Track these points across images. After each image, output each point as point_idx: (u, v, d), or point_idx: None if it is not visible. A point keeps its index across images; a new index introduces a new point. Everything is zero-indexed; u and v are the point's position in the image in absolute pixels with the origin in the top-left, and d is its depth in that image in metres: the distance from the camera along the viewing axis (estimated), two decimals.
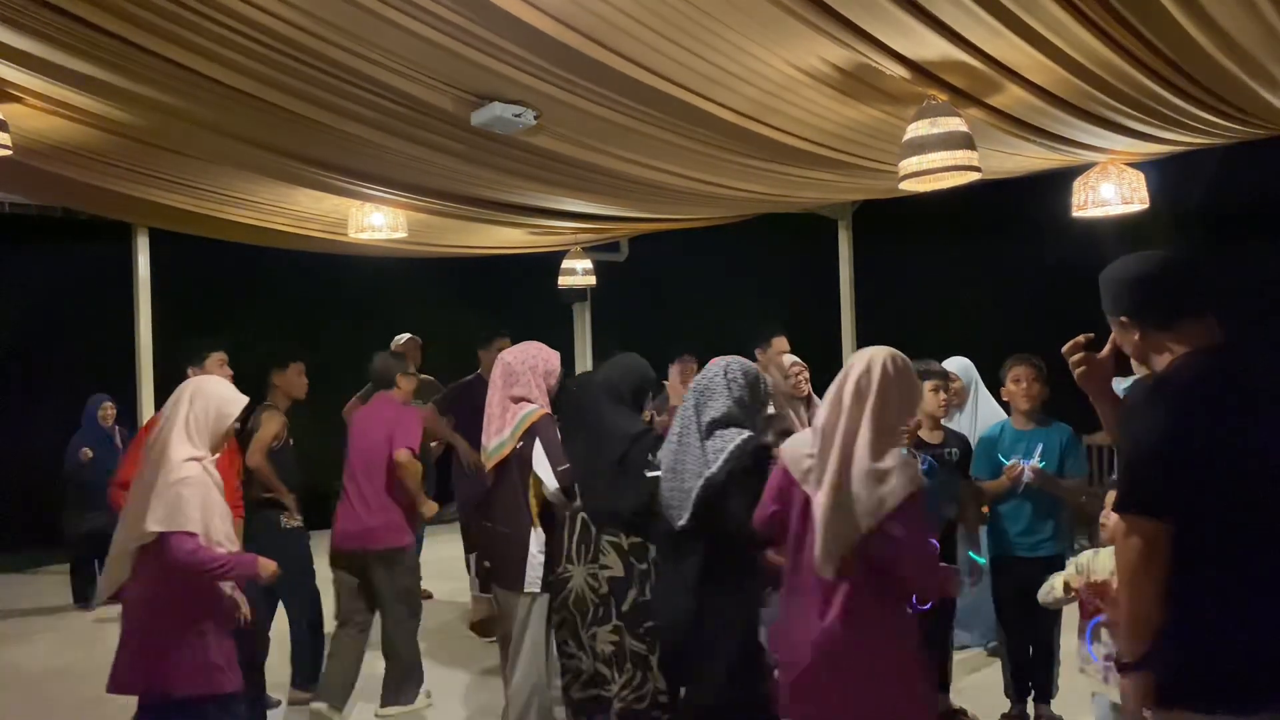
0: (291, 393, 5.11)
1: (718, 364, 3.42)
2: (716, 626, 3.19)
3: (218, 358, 4.98)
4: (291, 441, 5.07)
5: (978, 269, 9.12)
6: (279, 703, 4.91)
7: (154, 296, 7.86)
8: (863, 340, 8.09)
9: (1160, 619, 2.15)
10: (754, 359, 4.84)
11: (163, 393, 7.93)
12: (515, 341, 4.75)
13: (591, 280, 7.95)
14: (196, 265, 8.39)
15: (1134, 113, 3.95)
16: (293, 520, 4.93)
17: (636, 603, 3.59)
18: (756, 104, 3.73)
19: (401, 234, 5.81)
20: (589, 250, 8.07)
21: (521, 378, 4.13)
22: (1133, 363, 4.11)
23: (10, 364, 8.42)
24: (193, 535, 3.19)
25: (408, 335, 7.10)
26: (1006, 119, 3.98)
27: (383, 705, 4.90)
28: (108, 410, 7.37)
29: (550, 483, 3.92)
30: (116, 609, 6.82)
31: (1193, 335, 2.25)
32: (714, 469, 3.22)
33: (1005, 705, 4.62)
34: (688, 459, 3.31)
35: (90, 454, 7.08)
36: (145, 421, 5.44)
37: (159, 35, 3.11)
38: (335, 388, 7.20)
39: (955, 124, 3.57)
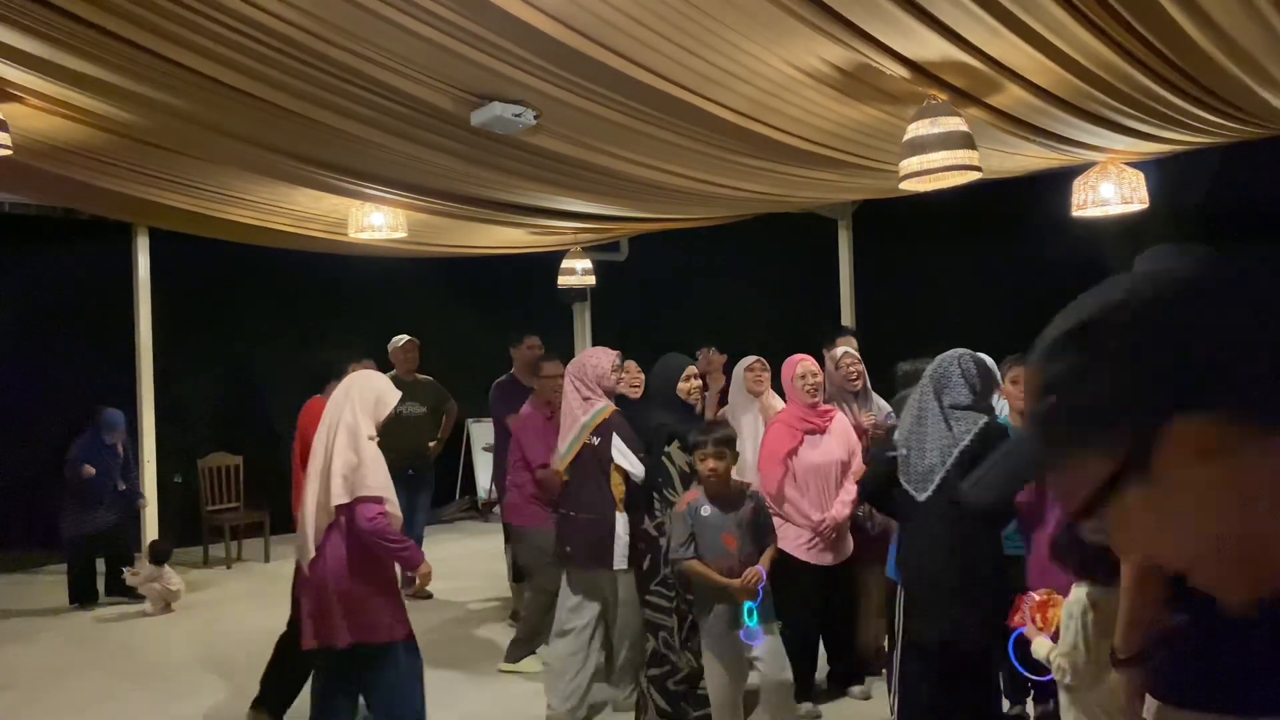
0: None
1: (951, 355, 3.75)
2: (970, 581, 3.56)
3: (359, 365, 5.64)
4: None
5: (978, 269, 9.11)
6: None
7: (154, 296, 7.86)
8: (863, 340, 8.09)
9: (1158, 619, 2.17)
10: (820, 358, 5.16)
11: (162, 392, 8.01)
12: (542, 340, 5.75)
13: (591, 280, 7.96)
14: (196, 265, 8.39)
15: (1133, 112, 3.96)
16: None
17: None
18: (756, 104, 3.73)
19: (401, 234, 5.81)
20: (589, 250, 8.08)
21: (574, 390, 4.52)
22: None
23: (10, 364, 8.43)
24: (378, 500, 3.70)
25: (406, 337, 7.09)
26: (1006, 119, 3.98)
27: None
28: (119, 435, 7.28)
29: (636, 470, 4.35)
30: (117, 609, 6.89)
31: None
32: (965, 442, 3.55)
33: (1004, 705, 4.62)
34: (928, 438, 3.64)
35: (93, 471, 7.03)
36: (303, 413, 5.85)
37: (159, 35, 3.12)
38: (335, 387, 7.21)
39: (955, 124, 3.57)
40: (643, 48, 3.14)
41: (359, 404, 3.84)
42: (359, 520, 3.65)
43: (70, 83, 3.74)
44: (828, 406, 5.02)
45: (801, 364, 5.02)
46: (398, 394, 4.02)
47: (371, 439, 3.79)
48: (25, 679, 5.56)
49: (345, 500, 3.66)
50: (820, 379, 4.98)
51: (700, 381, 4.87)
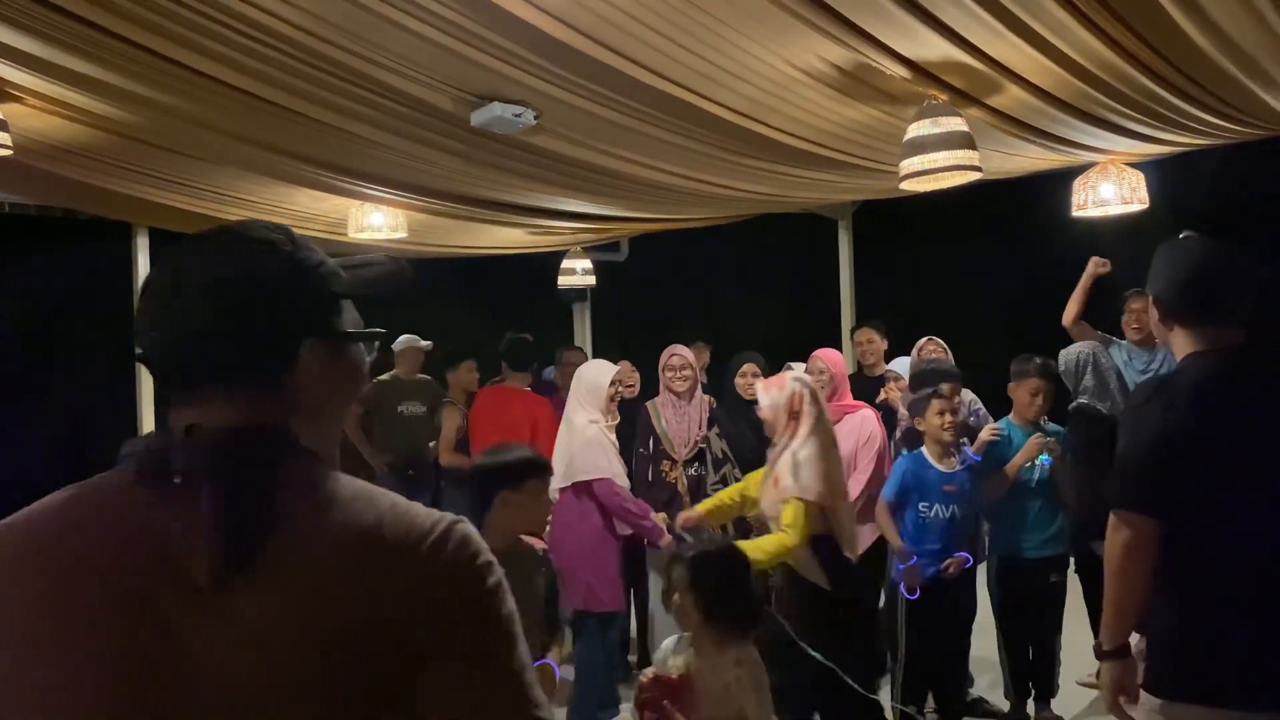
0: (467, 388, 6.11)
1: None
2: None
3: (467, 365, 6.30)
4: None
5: (978, 269, 9.11)
6: None
7: None
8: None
9: (1141, 612, 2.23)
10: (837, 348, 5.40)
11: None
12: (542, 340, 6.19)
13: (591, 280, 7.95)
14: None
15: (1134, 114, 3.95)
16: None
17: None
18: (757, 104, 3.72)
19: (401, 234, 5.81)
20: (589, 250, 8.06)
21: (574, 405, 4.70)
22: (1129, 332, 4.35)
23: (9, 364, 8.42)
24: (607, 479, 4.39)
25: (407, 337, 7.07)
26: (1007, 120, 3.98)
27: None
28: None
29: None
30: None
31: (1206, 338, 2.26)
32: None
33: (1005, 705, 4.63)
34: None
35: None
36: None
37: (159, 34, 3.11)
38: None
39: (956, 124, 3.57)
40: (643, 47, 3.14)
41: (583, 393, 4.59)
42: (601, 496, 4.45)
43: (70, 83, 3.73)
44: (855, 403, 5.03)
45: (814, 362, 5.06)
46: (610, 371, 4.67)
47: (595, 423, 4.52)
48: None
49: (581, 479, 4.42)
50: (829, 375, 5.01)
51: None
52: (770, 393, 3.80)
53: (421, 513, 1.02)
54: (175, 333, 1.04)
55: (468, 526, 1.04)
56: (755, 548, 3.49)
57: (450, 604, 0.98)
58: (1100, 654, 2.32)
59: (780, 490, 3.61)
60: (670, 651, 2.89)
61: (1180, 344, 2.30)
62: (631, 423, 5.06)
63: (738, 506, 4.06)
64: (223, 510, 0.94)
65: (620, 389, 4.80)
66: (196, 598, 0.93)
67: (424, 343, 6.94)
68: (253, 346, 1.03)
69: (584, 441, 4.46)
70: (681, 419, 5.14)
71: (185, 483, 0.96)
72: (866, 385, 5.40)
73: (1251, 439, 2.15)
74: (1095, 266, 5.11)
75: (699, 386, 5.29)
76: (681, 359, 5.18)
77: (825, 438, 3.70)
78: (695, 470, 5.14)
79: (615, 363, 5.05)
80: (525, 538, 3.07)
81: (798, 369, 5.48)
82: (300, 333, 1.06)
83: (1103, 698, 2.36)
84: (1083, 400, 4.68)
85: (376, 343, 1.18)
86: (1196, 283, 2.30)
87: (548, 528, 4.25)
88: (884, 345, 5.84)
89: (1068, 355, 4.75)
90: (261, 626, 0.92)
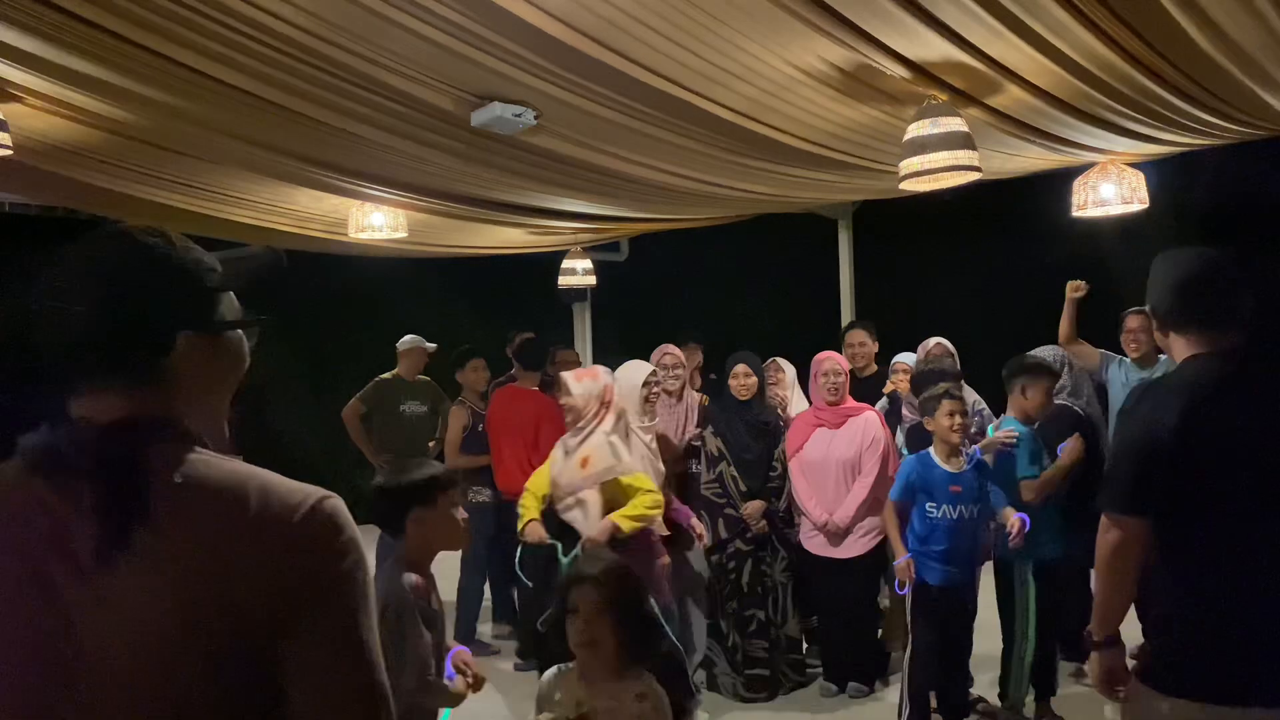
0: (475, 387, 6.25)
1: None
2: None
3: (473, 364, 6.29)
4: (481, 427, 6.07)
5: (978, 269, 9.12)
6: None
7: None
8: None
9: (1127, 607, 2.35)
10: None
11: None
12: (542, 340, 6.31)
13: (591, 280, 7.95)
14: None
15: (1134, 114, 3.95)
16: (479, 495, 5.93)
17: None
18: (756, 104, 3.72)
19: (401, 234, 5.81)
20: (589, 250, 8.06)
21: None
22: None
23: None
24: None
25: (411, 337, 7.06)
26: (1007, 120, 3.98)
27: None
28: None
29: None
30: None
31: (1203, 342, 2.28)
32: None
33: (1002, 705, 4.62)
34: None
35: None
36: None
37: (159, 34, 3.11)
38: (335, 388, 7.21)
39: (955, 124, 3.57)
40: (643, 47, 3.14)
41: (620, 392, 4.43)
42: None
43: (70, 83, 3.73)
44: (859, 405, 5.06)
45: (825, 363, 5.08)
46: (646, 370, 4.60)
47: (619, 423, 4.33)
48: None
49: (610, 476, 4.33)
50: (844, 379, 5.04)
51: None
52: (584, 382, 4.18)
53: (294, 489, 1.09)
54: (57, 333, 1.13)
55: (335, 503, 1.10)
56: (628, 516, 3.99)
57: (304, 578, 1.05)
58: (1091, 645, 2.42)
59: (597, 470, 4.05)
60: (552, 685, 2.59)
61: (1179, 350, 2.34)
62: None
63: (542, 501, 4.31)
64: (103, 497, 1.04)
65: (653, 389, 4.69)
66: (83, 577, 1.03)
67: (429, 345, 6.94)
68: (129, 342, 1.12)
69: (600, 442, 4.32)
70: (670, 417, 5.15)
71: (72, 471, 1.06)
72: (858, 387, 5.39)
73: (1243, 438, 2.16)
74: (1071, 291, 5.19)
75: (687, 386, 5.34)
76: (673, 358, 5.22)
77: (625, 424, 4.30)
78: (692, 468, 5.16)
79: (646, 360, 5.01)
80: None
81: (783, 363, 5.55)
82: (174, 326, 1.14)
83: (1095, 685, 2.46)
84: (1059, 400, 4.72)
85: (257, 329, 1.26)
86: (1190, 289, 2.32)
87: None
88: (875, 347, 5.81)
89: (1043, 356, 4.81)
90: (138, 602, 1.02)
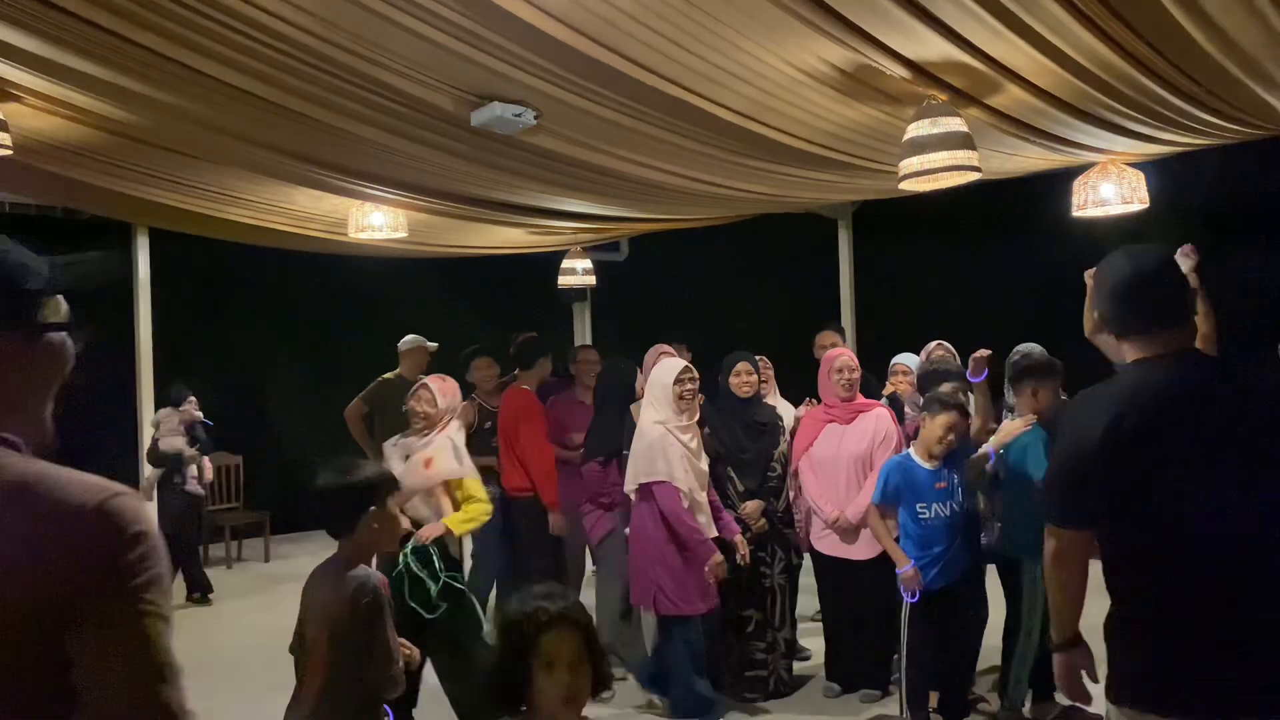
0: (484, 385, 6.30)
1: None
2: None
3: (478, 363, 6.29)
4: (489, 424, 6.06)
5: (978, 269, 9.11)
6: None
7: (154, 296, 7.85)
8: (862, 340, 8.09)
9: (1078, 611, 2.37)
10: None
11: (162, 392, 8.00)
12: (541, 340, 6.26)
13: (591, 280, 7.95)
14: (196, 265, 8.38)
15: (1134, 114, 3.95)
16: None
17: None
18: (756, 104, 3.73)
19: (401, 234, 5.81)
20: (589, 250, 8.07)
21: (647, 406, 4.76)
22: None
23: None
24: (665, 482, 4.40)
25: (412, 337, 7.05)
26: (1007, 120, 3.98)
27: None
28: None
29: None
30: None
31: (1152, 345, 2.23)
32: None
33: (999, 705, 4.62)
34: None
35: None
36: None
37: (159, 34, 3.12)
38: (335, 387, 7.20)
39: (955, 124, 3.57)
40: (643, 47, 3.14)
41: (651, 393, 4.63)
42: (657, 499, 4.47)
43: (70, 83, 3.74)
44: (870, 402, 5.05)
45: (839, 359, 5.08)
46: (678, 367, 4.62)
47: (658, 423, 4.53)
48: None
49: (643, 480, 4.49)
50: (858, 375, 5.04)
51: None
52: (448, 396, 4.50)
53: (89, 486, 1.12)
54: None
55: (127, 500, 1.13)
56: (461, 521, 4.24)
57: (91, 572, 1.08)
58: (1053, 647, 2.45)
59: (440, 471, 4.34)
60: None
61: (1130, 355, 2.28)
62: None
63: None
64: None
65: (686, 386, 4.63)
66: None
67: (430, 344, 6.94)
68: None
69: (646, 444, 4.52)
70: None
71: None
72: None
73: (1183, 440, 2.10)
74: (1090, 278, 5.15)
75: None
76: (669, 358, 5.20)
77: (463, 432, 4.67)
78: None
79: (640, 362, 5.13)
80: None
81: (766, 361, 5.64)
82: None
83: (1059, 684, 2.48)
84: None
85: (82, 331, 1.33)
86: (1131, 292, 2.26)
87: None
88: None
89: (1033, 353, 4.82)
90: None
